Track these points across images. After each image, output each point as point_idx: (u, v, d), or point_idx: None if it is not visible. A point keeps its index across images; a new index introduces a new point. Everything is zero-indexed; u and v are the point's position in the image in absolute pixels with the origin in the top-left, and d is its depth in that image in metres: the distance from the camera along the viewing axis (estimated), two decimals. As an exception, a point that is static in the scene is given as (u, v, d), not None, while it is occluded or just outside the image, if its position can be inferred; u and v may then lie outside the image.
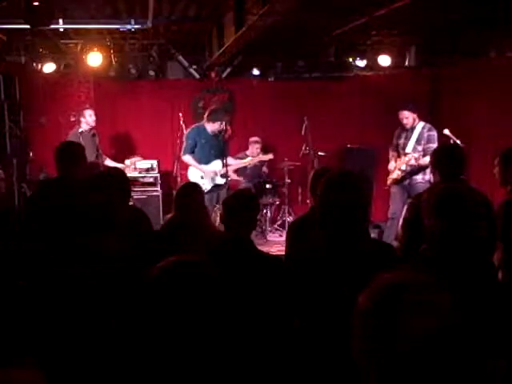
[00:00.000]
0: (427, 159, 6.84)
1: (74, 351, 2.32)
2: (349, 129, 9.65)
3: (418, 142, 7.17)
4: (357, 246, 2.46)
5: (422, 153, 7.08)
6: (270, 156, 8.57)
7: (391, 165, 7.38)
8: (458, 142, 6.91)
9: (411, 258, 2.87)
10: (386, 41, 8.73)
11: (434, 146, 7.02)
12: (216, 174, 7.79)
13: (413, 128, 7.22)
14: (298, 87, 9.63)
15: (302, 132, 8.66)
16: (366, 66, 9.23)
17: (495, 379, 2.27)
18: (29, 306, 2.42)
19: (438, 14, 6.80)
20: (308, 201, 5.08)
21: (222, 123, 7.71)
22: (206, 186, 7.64)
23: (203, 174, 7.80)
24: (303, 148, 8.82)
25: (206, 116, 7.85)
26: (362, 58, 9.07)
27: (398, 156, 7.36)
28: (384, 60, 8.91)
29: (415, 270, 2.62)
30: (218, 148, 7.81)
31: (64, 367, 2.29)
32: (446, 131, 7.16)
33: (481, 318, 2.42)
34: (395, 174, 7.23)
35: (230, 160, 8.05)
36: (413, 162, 7.01)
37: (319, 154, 8.76)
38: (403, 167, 7.14)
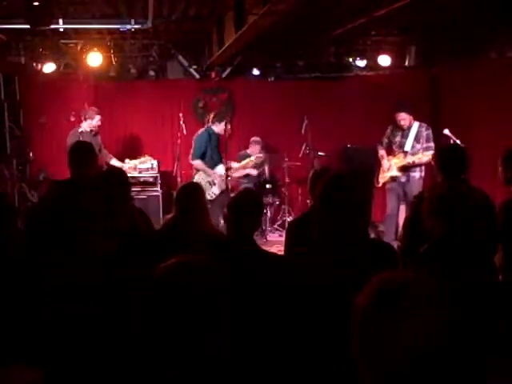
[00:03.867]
0: (426, 157, 7.02)
1: (73, 352, 2.31)
2: (349, 129, 9.66)
3: (416, 140, 7.26)
4: (356, 246, 2.45)
5: (421, 151, 7.18)
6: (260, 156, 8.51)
7: (385, 163, 7.46)
8: (458, 141, 6.91)
9: (412, 257, 2.86)
10: (386, 41, 8.73)
11: (432, 144, 7.24)
12: (222, 179, 7.66)
13: (409, 127, 7.31)
14: (298, 87, 9.63)
15: (302, 132, 8.66)
16: (366, 65, 9.23)
17: (494, 377, 2.27)
18: (28, 306, 2.42)
19: (438, 14, 6.81)
20: (308, 201, 5.08)
21: (227, 122, 7.67)
22: (215, 191, 7.61)
23: (210, 180, 7.63)
24: (303, 148, 8.82)
25: (211, 118, 7.77)
26: (362, 58, 9.07)
27: (389, 154, 7.46)
28: (384, 60, 8.91)
29: (415, 269, 2.62)
30: (220, 151, 7.78)
31: (64, 368, 2.28)
32: (446, 131, 7.16)
33: (481, 318, 2.42)
34: (394, 173, 7.30)
35: (233, 164, 8.08)
36: (416, 160, 7.11)
37: (319, 154, 8.76)
38: (403, 164, 7.22)
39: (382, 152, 7.59)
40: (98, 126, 7.98)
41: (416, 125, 7.30)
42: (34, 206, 3.64)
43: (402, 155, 7.30)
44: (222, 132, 7.73)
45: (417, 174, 7.24)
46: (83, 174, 4.18)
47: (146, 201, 8.38)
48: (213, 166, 7.70)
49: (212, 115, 7.85)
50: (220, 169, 7.72)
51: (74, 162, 4.28)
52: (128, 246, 2.96)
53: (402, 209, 7.43)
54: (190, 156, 7.77)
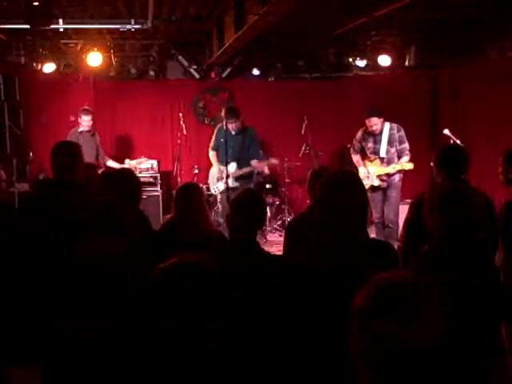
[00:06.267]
0: (404, 160, 6.94)
1: (73, 352, 2.31)
2: (349, 129, 9.63)
3: (390, 144, 6.99)
4: (356, 246, 2.45)
5: (396, 154, 7.01)
6: (275, 161, 8.29)
7: (362, 171, 7.08)
8: (458, 141, 6.91)
9: (412, 257, 2.86)
10: (386, 41, 8.73)
11: (406, 145, 7.03)
12: (228, 176, 7.53)
13: (381, 131, 7.00)
14: (298, 87, 9.63)
15: (302, 132, 8.66)
16: (366, 65, 9.23)
17: (494, 378, 2.26)
18: (29, 306, 2.42)
19: (437, 14, 6.81)
20: (308, 201, 5.07)
21: (232, 121, 7.48)
22: (220, 186, 7.71)
23: (219, 175, 7.72)
24: (303, 148, 8.82)
25: (223, 114, 7.56)
26: (362, 58, 9.07)
27: (363, 158, 7.19)
28: (384, 60, 8.90)
29: (416, 269, 2.62)
30: (237, 150, 7.62)
31: (63, 368, 2.28)
32: (446, 131, 7.15)
33: (481, 318, 2.42)
34: (375, 182, 7.01)
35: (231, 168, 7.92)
36: (398, 168, 6.94)
37: (319, 153, 8.76)
38: (382, 173, 7.00)
39: (356, 158, 7.26)
40: (90, 127, 7.89)
41: (387, 127, 6.99)
42: (28, 205, 3.60)
43: (378, 161, 7.03)
44: (235, 130, 7.57)
45: (396, 177, 7.02)
46: (69, 174, 4.02)
47: (146, 201, 8.33)
48: (223, 161, 7.55)
49: (224, 111, 7.58)
50: (230, 166, 7.63)
51: (58, 161, 4.03)
52: (128, 246, 2.95)
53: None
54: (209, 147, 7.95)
